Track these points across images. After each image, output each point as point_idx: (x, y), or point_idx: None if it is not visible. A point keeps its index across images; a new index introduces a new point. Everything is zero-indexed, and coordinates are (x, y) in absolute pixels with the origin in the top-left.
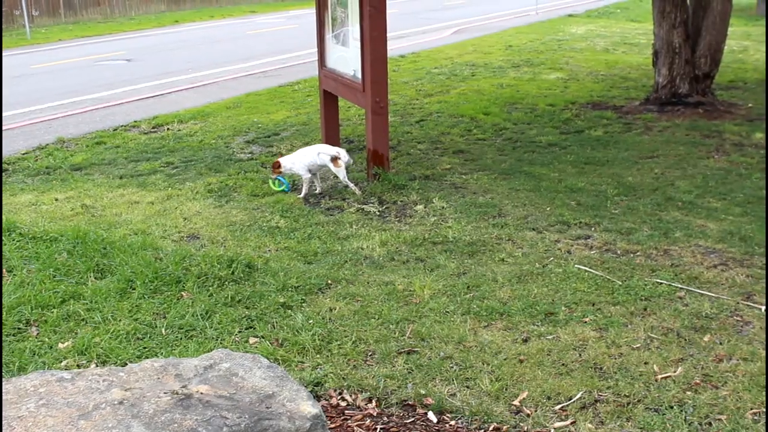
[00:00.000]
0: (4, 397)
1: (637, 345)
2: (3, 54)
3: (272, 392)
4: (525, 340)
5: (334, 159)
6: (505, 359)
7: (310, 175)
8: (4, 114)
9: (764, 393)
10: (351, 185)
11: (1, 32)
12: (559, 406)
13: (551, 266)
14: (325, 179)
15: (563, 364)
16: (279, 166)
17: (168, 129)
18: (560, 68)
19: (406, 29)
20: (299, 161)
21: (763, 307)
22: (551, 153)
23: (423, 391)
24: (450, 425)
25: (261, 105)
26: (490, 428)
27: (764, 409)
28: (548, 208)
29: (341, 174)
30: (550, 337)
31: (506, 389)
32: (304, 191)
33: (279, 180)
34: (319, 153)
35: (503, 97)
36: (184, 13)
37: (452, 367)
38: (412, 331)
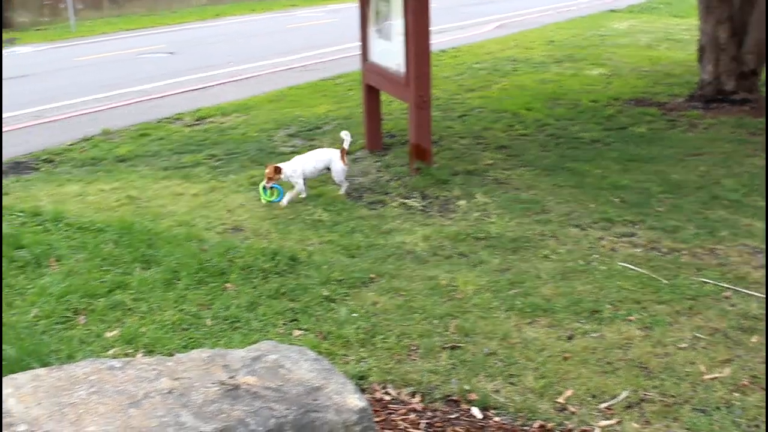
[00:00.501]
0: (57, 384)
1: (683, 345)
2: (44, 48)
3: (319, 385)
4: (569, 338)
5: (342, 152)
6: (549, 356)
7: (304, 183)
8: (49, 106)
9: None
10: (345, 184)
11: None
12: (604, 404)
13: (595, 264)
14: (367, 173)
15: (608, 363)
16: (279, 172)
17: (211, 121)
18: (603, 64)
19: (446, 24)
20: (300, 168)
21: None
22: (594, 149)
23: (467, 387)
24: (494, 422)
25: (303, 98)
26: (535, 425)
27: None
28: (592, 205)
29: (341, 172)
30: (594, 335)
31: (551, 387)
32: (288, 198)
33: (274, 189)
34: (318, 160)
35: (545, 92)
36: (225, 7)
37: (496, 363)
38: (455, 326)
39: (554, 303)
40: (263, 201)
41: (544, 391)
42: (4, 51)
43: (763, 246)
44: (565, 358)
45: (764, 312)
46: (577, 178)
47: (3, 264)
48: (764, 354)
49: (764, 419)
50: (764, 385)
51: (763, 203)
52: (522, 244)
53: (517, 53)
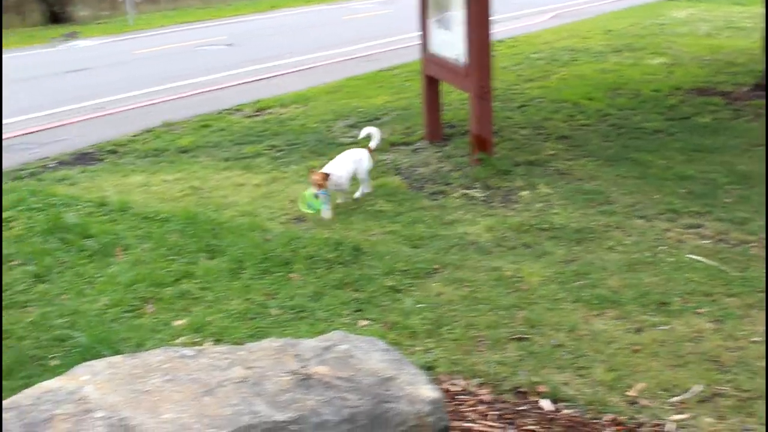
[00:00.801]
0: (132, 371)
1: (756, 338)
2: (104, 41)
3: (391, 375)
4: (638, 330)
5: (369, 151)
6: (618, 349)
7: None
8: (111, 98)
9: None
10: (368, 183)
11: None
12: (676, 398)
13: (662, 255)
14: (428, 164)
15: (679, 356)
16: (326, 179)
17: (270, 112)
18: (663, 53)
19: (502, 14)
20: (346, 170)
21: None
22: (658, 139)
23: (536, 379)
24: (564, 414)
25: (360, 89)
26: (606, 418)
27: None
28: (657, 196)
29: (367, 171)
30: (664, 327)
31: (621, 379)
32: (329, 207)
33: (321, 196)
34: (360, 159)
35: (605, 82)
36: None
37: (565, 355)
38: (522, 317)
39: (621, 295)
40: (305, 211)
41: (615, 384)
42: (65, 45)
43: None
44: (635, 351)
45: None
46: (641, 169)
47: (72, 252)
48: None
49: None
50: None
51: None
52: (586, 235)
53: (574, 43)
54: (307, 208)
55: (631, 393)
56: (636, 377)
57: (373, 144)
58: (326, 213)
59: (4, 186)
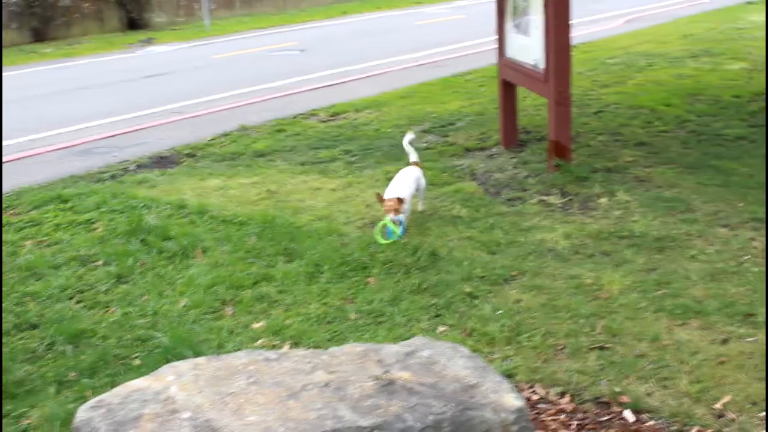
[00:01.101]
0: (216, 373)
1: None
2: (180, 47)
3: (475, 382)
4: (724, 341)
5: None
6: (703, 360)
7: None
8: (188, 102)
9: None
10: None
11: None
12: (765, 413)
13: (747, 265)
14: (504, 169)
15: None
16: (401, 203)
17: (344, 117)
18: (742, 58)
19: (576, 18)
20: (410, 191)
21: None
22: (740, 147)
23: (618, 389)
24: (648, 426)
25: (434, 95)
26: (692, 431)
27: None
28: (740, 205)
29: (425, 185)
30: (751, 339)
31: (707, 391)
32: (402, 229)
33: (397, 222)
34: (418, 176)
35: (684, 88)
36: (352, 5)
37: (647, 365)
38: (602, 326)
39: (705, 305)
40: (381, 242)
41: (700, 396)
42: (142, 50)
43: None
44: (721, 363)
45: None
46: (723, 177)
47: (153, 253)
48: None
49: None
50: None
51: None
52: (667, 243)
53: (651, 48)
54: (385, 239)
55: (718, 406)
56: (722, 389)
57: (414, 158)
58: (401, 236)
59: (87, 188)
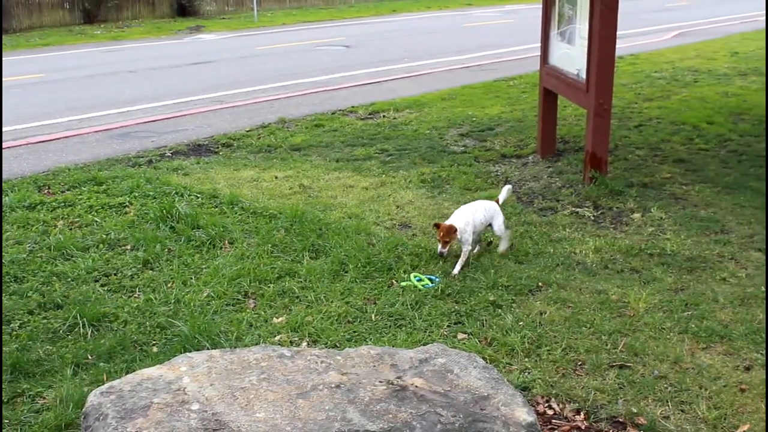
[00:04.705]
0: (229, 367)
1: None
2: (228, 36)
3: (487, 394)
4: (747, 368)
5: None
6: (724, 386)
7: (473, 241)
8: (230, 92)
9: None
10: (508, 236)
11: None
12: None
13: None
14: (538, 178)
15: None
16: (455, 231)
17: (384, 116)
18: None
19: (625, 30)
20: (471, 221)
21: None
22: None
23: (634, 410)
24: None
25: (475, 98)
26: None
27: None
28: None
29: (504, 225)
30: None
31: (725, 418)
32: (460, 264)
33: (427, 279)
34: (486, 208)
35: (728, 106)
36: (402, 3)
37: (667, 387)
38: (625, 344)
39: (732, 329)
40: (415, 287)
41: (718, 423)
42: (190, 37)
43: None
44: (742, 390)
45: None
46: (761, 199)
47: (181, 241)
48: None
49: None
50: None
51: None
52: (698, 264)
53: (698, 63)
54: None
55: None
56: (741, 418)
57: (501, 197)
58: (456, 270)
59: (122, 172)
